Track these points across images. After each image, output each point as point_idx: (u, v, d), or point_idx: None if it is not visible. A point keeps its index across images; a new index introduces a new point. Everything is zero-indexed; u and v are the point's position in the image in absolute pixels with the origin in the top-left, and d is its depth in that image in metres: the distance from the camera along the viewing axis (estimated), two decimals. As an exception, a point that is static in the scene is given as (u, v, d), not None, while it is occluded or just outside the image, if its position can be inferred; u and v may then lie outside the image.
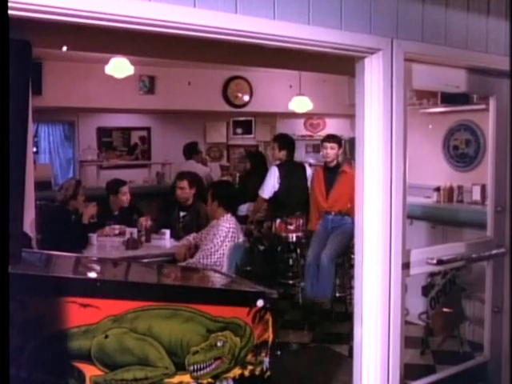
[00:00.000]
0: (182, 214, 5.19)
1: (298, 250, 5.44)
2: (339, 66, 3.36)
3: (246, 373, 2.22)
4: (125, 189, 5.19)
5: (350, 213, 4.72)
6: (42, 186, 5.81)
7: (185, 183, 5.17)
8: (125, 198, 5.17)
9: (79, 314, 1.93)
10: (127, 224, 4.94)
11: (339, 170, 4.99)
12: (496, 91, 3.27)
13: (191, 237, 4.60)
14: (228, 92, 8.44)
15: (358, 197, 2.83)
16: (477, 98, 6.33)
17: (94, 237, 4.63)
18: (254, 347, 2.23)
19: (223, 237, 4.20)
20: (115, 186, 5.20)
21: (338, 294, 5.16)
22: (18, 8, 1.74)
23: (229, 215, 4.33)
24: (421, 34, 2.82)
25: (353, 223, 4.56)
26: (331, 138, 5.09)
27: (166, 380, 2.07)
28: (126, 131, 8.78)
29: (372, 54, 2.66)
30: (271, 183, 5.60)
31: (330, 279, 4.86)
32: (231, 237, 4.23)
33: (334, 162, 5.01)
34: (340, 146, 5.03)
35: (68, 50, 4.52)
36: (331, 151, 4.95)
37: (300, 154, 9.34)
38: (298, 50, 2.51)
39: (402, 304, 2.82)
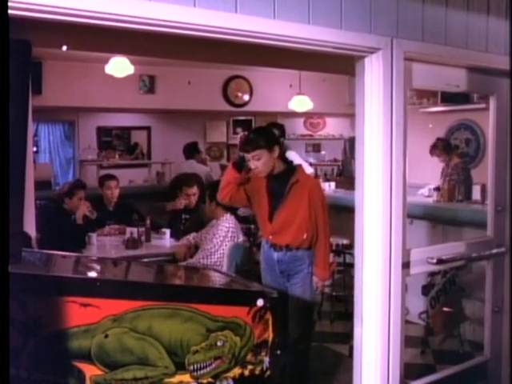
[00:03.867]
0: (184, 216, 5.13)
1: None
2: (339, 65, 3.36)
3: (246, 372, 2.22)
4: (111, 183, 5.25)
5: (304, 245, 3.26)
6: (41, 185, 5.81)
7: (195, 189, 5.01)
8: (109, 191, 5.22)
9: (79, 313, 1.93)
10: (124, 221, 4.95)
11: (291, 180, 3.19)
12: (496, 90, 3.27)
13: (191, 236, 4.60)
14: (228, 91, 8.45)
15: (359, 196, 2.83)
16: (477, 97, 6.36)
17: (93, 236, 4.63)
18: (254, 347, 2.23)
19: (223, 236, 4.20)
20: (103, 180, 5.35)
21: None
22: (18, 8, 1.74)
23: (228, 215, 4.32)
24: (421, 33, 2.82)
25: (310, 264, 3.26)
26: (250, 142, 3.18)
27: (166, 380, 2.07)
28: (126, 131, 8.78)
29: (372, 53, 2.66)
30: None
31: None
32: (231, 236, 4.23)
33: (277, 169, 3.21)
34: (272, 145, 3.15)
35: (68, 49, 4.52)
36: (257, 162, 3.14)
37: (300, 154, 9.34)
38: (297, 50, 2.51)
39: (402, 303, 2.82)
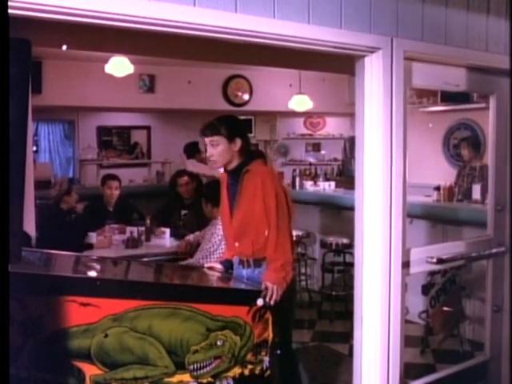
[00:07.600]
0: (183, 212, 5.23)
1: (299, 248, 5.44)
2: (339, 64, 3.36)
3: (246, 372, 2.22)
4: (112, 183, 5.26)
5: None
6: (41, 185, 5.80)
7: (186, 178, 5.29)
8: (108, 191, 5.23)
9: (79, 312, 1.93)
10: (124, 221, 4.96)
11: (242, 171, 2.82)
12: (496, 90, 3.27)
13: (191, 236, 4.59)
14: (228, 91, 8.43)
15: (358, 196, 2.82)
16: (477, 96, 6.34)
17: (93, 236, 4.63)
18: (253, 346, 2.23)
19: (221, 235, 4.18)
20: (105, 179, 5.36)
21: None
22: (18, 7, 1.74)
23: (227, 214, 4.30)
24: (421, 32, 2.82)
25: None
26: (209, 126, 2.86)
27: (166, 379, 2.07)
28: (126, 130, 8.77)
29: (372, 52, 2.66)
30: None
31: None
32: (230, 236, 4.21)
33: (234, 163, 2.85)
34: (233, 136, 2.81)
35: (68, 48, 4.51)
36: (213, 150, 2.83)
37: (300, 153, 9.36)
38: (297, 49, 2.51)
39: (401, 303, 2.82)
